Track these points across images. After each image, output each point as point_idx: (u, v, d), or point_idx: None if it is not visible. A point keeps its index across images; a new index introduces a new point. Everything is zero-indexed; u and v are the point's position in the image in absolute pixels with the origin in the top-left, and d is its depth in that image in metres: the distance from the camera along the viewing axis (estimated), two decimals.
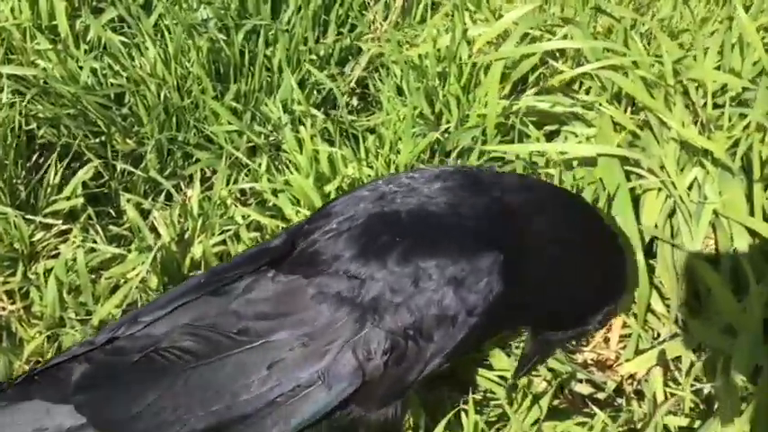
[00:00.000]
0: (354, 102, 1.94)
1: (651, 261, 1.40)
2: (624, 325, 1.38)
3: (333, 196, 1.54)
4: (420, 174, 1.16)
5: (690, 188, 1.39)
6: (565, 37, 1.66)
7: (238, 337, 1.02)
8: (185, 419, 1.00)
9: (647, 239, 1.40)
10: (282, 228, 1.52)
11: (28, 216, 1.52)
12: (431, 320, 1.01)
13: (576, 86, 1.71)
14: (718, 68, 1.54)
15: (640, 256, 1.34)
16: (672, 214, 1.42)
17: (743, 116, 1.40)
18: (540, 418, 1.22)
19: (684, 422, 1.25)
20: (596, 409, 1.21)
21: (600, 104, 1.51)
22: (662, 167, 1.40)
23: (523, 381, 1.28)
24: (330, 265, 1.04)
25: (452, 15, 1.84)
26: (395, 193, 1.12)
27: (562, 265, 1.11)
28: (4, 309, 1.46)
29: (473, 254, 1.03)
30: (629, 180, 1.42)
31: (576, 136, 1.56)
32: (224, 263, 1.20)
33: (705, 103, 1.45)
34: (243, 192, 1.69)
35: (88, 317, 1.40)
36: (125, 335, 1.08)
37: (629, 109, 1.56)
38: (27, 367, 1.36)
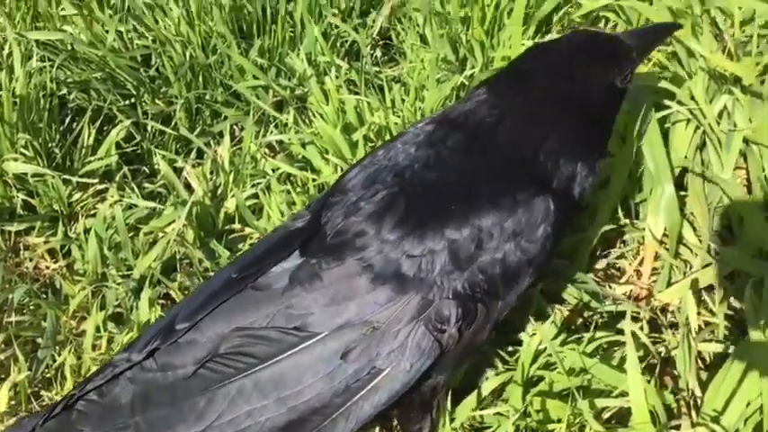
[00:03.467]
0: (378, 53, 1.94)
1: (682, 193, 1.40)
2: (656, 258, 1.39)
3: (360, 144, 1.55)
4: (411, 139, 1.13)
5: (719, 117, 1.38)
6: None
7: (301, 333, 0.99)
8: (262, 422, 0.97)
9: (677, 171, 1.39)
10: (312, 179, 1.54)
11: (65, 176, 1.55)
12: (497, 279, 1.02)
13: (601, 24, 1.69)
14: None
15: (671, 188, 1.34)
16: (702, 145, 1.42)
17: None
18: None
19: (719, 348, 1.25)
20: (638, 332, 1.21)
21: None
22: (691, 97, 1.38)
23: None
24: (381, 246, 1.01)
25: None
26: (411, 163, 1.09)
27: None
28: (47, 267, 1.50)
29: (525, 203, 1.03)
30: (657, 111, 1.40)
31: None
32: (249, 251, 1.15)
33: (733, 33, 1.43)
34: (271, 146, 1.71)
35: (129, 272, 1.44)
36: (165, 346, 1.01)
37: None
38: (74, 323, 1.41)
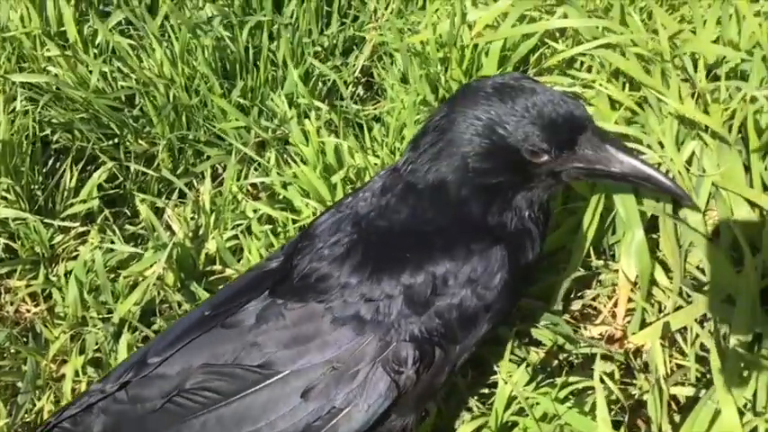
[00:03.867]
0: (360, 91, 1.97)
1: (654, 236, 1.42)
2: (630, 300, 1.41)
3: (339, 187, 1.58)
4: (371, 187, 1.17)
5: (689, 162, 1.41)
6: (562, 17, 1.67)
7: (264, 370, 1.02)
8: None
9: (649, 214, 1.42)
10: (293, 220, 1.56)
11: (47, 220, 1.57)
12: (454, 324, 1.04)
13: (576, 66, 1.72)
14: (716, 41, 1.55)
15: (641, 233, 1.36)
16: None
17: (739, 88, 1.40)
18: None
19: (690, 392, 1.27)
20: (607, 380, 1.23)
21: (598, 83, 1.52)
22: (660, 143, 1.41)
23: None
24: (341, 290, 1.05)
25: (452, 0, 1.86)
26: (367, 213, 1.13)
27: None
28: (28, 311, 1.52)
29: (480, 252, 1.05)
30: None
31: None
32: (222, 290, 1.19)
33: (701, 78, 1.46)
34: (254, 186, 1.73)
35: (109, 315, 1.45)
36: (137, 379, 1.05)
37: (627, 86, 1.57)
38: (54, 366, 1.42)
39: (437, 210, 1.09)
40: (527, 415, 1.20)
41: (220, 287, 1.52)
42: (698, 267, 1.41)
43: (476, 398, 1.32)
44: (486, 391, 1.34)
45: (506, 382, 1.21)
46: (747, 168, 1.36)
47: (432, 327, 1.03)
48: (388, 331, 1.02)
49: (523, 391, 1.21)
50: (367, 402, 1.01)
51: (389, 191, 1.13)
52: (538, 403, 1.22)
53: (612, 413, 1.23)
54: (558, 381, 1.26)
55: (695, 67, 1.50)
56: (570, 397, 1.25)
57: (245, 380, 1.02)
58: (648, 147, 1.41)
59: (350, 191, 1.60)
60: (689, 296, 1.36)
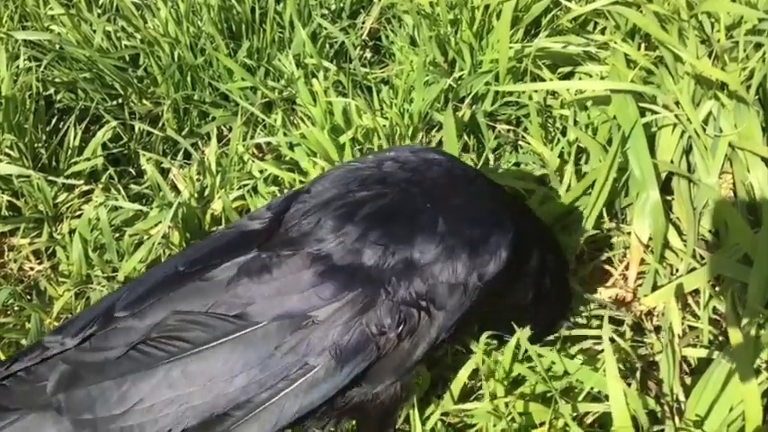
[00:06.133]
0: (367, 54, 1.94)
1: (668, 197, 1.40)
2: (642, 262, 1.39)
3: (347, 147, 1.55)
4: (382, 156, 1.14)
5: (705, 122, 1.38)
6: None
7: (239, 321, 0.96)
8: (181, 412, 0.94)
9: (663, 176, 1.39)
10: (300, 181, 1.54)
11: (50, 178, 1.55)
12: (444, 288, 1.00)
13: (589, 27, 1.69)
14: (733, 0, 1.52)
15: (656, 193, 1.34)
16: (688, 150, 1.42)
17: (758, 47, 1.38)
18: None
19: (703, 353, 1.25)
20: (618, 339, 1.21)
21: (614, 42, 1.50)
22: (677, 103, 1.39)
23: None
24: (337, 241, 1.00)
25: None
26: (380, 177, 1.09)
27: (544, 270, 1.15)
28: (32, 269, 1.50)
29: (489, 223, 1.03)
30: (643, 117, 1.41)
31: (591, 77, 1.55)
32: (198, 246, 1.11)
33: (719, 38, 1.43)
34: (259, 147, 1.70)
35: (114, 273, 1.44)
36: (101, 332, 0.98)
37: (643, 46, 1.54)
38: (57, 324, 1.41)
39: (455, 183, 1.08)
40: (536, 370, 1.19)
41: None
42: (710, 231, 1.39)
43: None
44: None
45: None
46: (765, 129, 1.33)
47: (421, 290, 0.99)
48: (377, 290, 0.97)
49: (532, 347, 1.18)
50: (342, 362, 0.96)
51: (410, 162, 1.11)
52: (549, 360, 1.20)
53: (623, 375, 1.21)
54: (569, 340, 1.25)
55: (712, 27, 1.47)
56: (581, 356, 1.23)
57: (218, 329, 0.96)
58: (665, 106, 1.38)
59: (357, 153, 1.58)
60: (702, 258, 1.35)
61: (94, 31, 1.82)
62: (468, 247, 1.00)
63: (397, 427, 1.13)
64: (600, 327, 1.31)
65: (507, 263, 1.02)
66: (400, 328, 0.98)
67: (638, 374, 1.20)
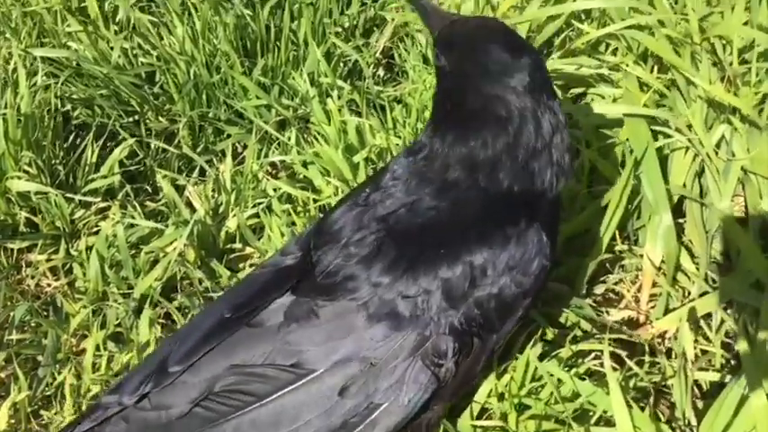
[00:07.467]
0: (381, 72, 1.95)
1: (680, 220, 1.41)
2: (654, 285, 1.39)
3: (362, 166, 1.57)
4: (391, 180, 1.13)
5: (717, 146, 1.39)
6: None
7: (297, 370, 0.98)
8: None
9: (675, 199, 1.40)
10: (314, 200, 1.55)
11: (68, 195, 1.57)
12: (492, 313, 1.02)
13: (601, 48, 1.70)
14: (746, 24, 1.53)
15: (668, 217, 1.35)
16: (700, 173, 1.43)
17: None
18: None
19: (715, 377, 1.26)
20: (629, 362, 1.22)
21: (626, 65, 1.51)
22: (689, 126, 1.40)
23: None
24: (374, 288, 1.01)
25: None
26: (394, 206, 1.09)
27: None
28: (49, 285, 1.51)
29: (518, 236, 1.03)
30: (656, 140, 1.42)
31: (603, 98, 1.56)
32: (238, 289, 1.14)
33: (732, 61, 1.44)
34: (273, 165, 1.72)
35: (130, 290, 1.45)
36: (159, 389, 1.00)
37: (656, 68, 1.55)
38: (74, 341, 1.42)
39: (467, 196, 1.07)
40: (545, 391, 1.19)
41: (241, 266, 1.52)
42: (722, 254, 1.40)
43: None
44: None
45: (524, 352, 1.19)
46: None
47: (470, 317, 1.01)
48: (427, 325, 1.00)
49: (543, 365, 1.19)
50: (407, 396, 0.99)
51: (413, 182, 1.11)
52: (559, 381, 1.21)
53: (635, 399, 1.22)
54: (580, 361, 1.26)
55: (724, 50, 1.48)
56: (592, 378, 1.24)
57: (279, 380, 0.98)
58: (677, 130, 1.39)
59: (371, 171, 1.59)
60: (714, 282, 1.35)
61: (111, 48, 1.84)
62: (506, 270, 1.02)
63: None
64: (613, 346, 1.32)
65: (546, 266, 1.05)
66: (456, 357, 1.01)
67: (651, 399, 1.21)
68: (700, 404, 1.26)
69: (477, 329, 1.02)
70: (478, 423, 1.21)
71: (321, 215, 1.20)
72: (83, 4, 1.94)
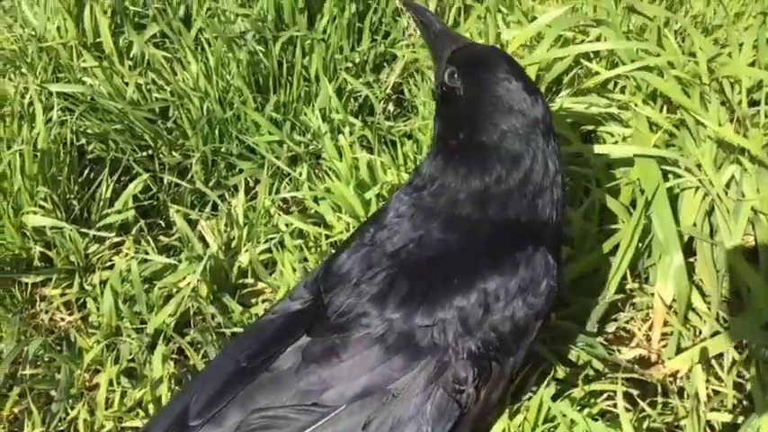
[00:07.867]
0: (391, 107, 1.98)
1: (691, 260, 1.42)
2: (665, 323, 1.40)
3: (373, 203, 1.58)
4: (395, 218, 1.15)
5: (727, 186, 1.41)
6: (598, 38, 1.67)
7: (320, 408, 0.99)
8: None
9: (686, 238, 1.41)
10: (325, 235, 1.57)
11: (82, 229, 1.58)
12: (508, 336, 1.05)
13: (610, 86, 1.72)
14: (752, 64, 1.55)
15: (679, 257, 1.36)
16: (710, 213, 1.44)
17: None
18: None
19: (728, 418, 1.26)
20: (642, 403, 1.22)
21: (635, 104, 1.53)
22: (699, 166, 1.41)
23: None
24: (389, 323, 1.02)
25: (485, 18, 1.86)
26: (402, 242, 1.11)
27: None
28: (62, 319, 1.52)
29: (526, 261, 1.06)
30: (666, 180, 1.43)
31: (613, 136, 1.58)
32: (251, 336, 1.11)
33: (740, 101, 1.46)
34: (285, 200, 1.74)
35: (143, 325, 1.46)
36: None
37: (665, 108, 1.57)
38: (87, 375, 1.43)
39: (476, 228, 1.10)
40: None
41: (254, 301, 1.53)
42: (734, 292, 1.40)
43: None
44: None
45: (537, 392, 1.20)
46: None
47: (487, 341, 1.03)
48: (446, 353, 1.01)
49: (556, 405, 1.19)
50: (431, 425, 1.00)
51: (419, 217, 1.13)
52: (572, 421, 1.21)
53: None
54: (592, 401, 1.26)
55: (733, 89, 1.50)
56: (605, 418, 1.24)
57: (301, 420, 0.98)
58: (687, 170, 1.41)
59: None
60: (725, 321, 1.36)
61: (126, 84, 1.87)
62: (518, 293, 1.05)
63: None
64: (625, 386, 1.32)
65: (554, 286, 1.08)
66: (476, 382, 1.03)
67: None
68: None
69: (494, 353, 1.04)
70: None
71: (327, 257, 1.21)
72: (98, 40, 1.97)
